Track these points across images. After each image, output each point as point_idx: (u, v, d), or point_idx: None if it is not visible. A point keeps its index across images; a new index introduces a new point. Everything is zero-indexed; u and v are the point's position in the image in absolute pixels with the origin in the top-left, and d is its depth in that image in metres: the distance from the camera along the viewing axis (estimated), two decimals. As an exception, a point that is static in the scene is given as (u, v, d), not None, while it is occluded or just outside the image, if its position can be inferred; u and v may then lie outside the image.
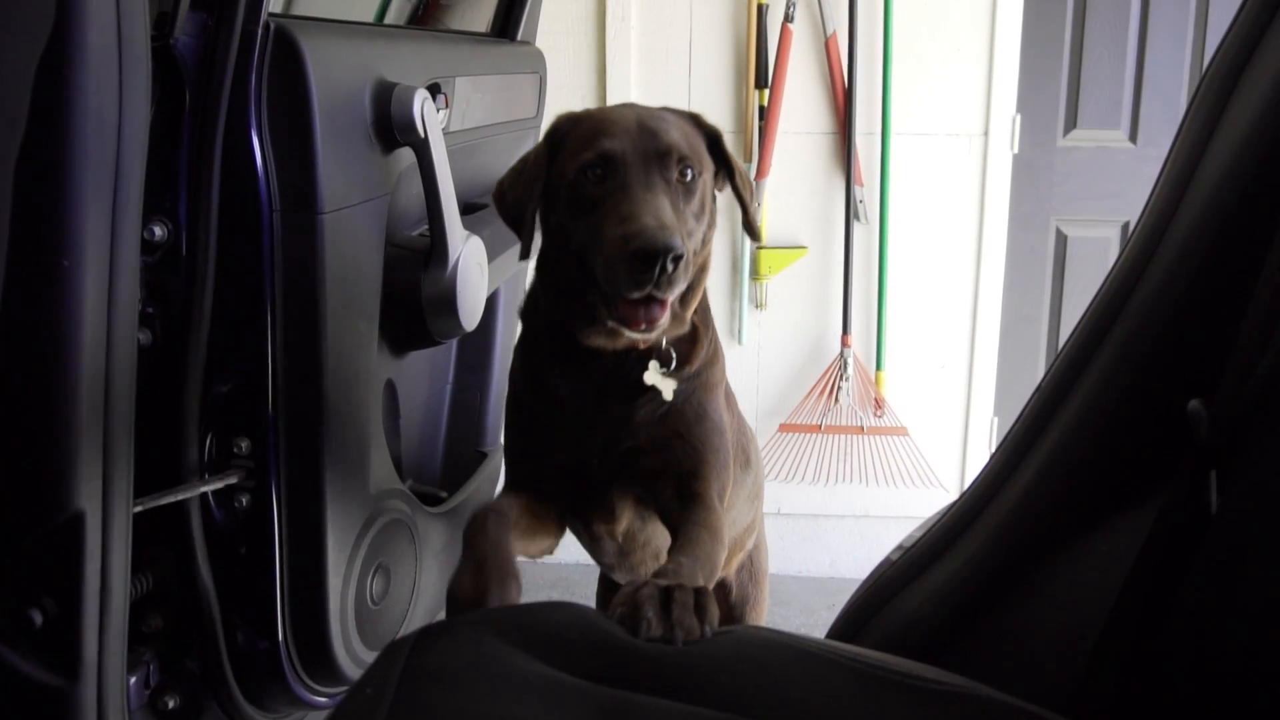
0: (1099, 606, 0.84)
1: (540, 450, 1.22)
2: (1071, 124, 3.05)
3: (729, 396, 1.33)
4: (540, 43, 2.16)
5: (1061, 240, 3.13)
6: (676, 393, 1.18)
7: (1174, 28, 2.97)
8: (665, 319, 1.07)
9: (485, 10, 1.99)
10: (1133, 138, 3.04)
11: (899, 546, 1.33)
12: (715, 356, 1.26)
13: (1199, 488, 0.79)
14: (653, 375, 1.17)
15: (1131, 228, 3.19)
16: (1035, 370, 3.19)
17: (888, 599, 0.99)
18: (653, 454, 1.18)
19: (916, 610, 0.96)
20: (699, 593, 0.85)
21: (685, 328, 1.18)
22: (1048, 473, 0.93)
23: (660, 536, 1.31)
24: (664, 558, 1.33)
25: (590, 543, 1.32)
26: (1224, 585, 0.76)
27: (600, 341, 1.15)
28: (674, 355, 1.19)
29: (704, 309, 1.25)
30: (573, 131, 1.14)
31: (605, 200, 1.07)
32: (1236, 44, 0.93)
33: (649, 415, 1.18)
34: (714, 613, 0.85)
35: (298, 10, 1.68)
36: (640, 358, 1.17)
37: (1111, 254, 3.12)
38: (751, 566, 1.62)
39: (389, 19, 1.76)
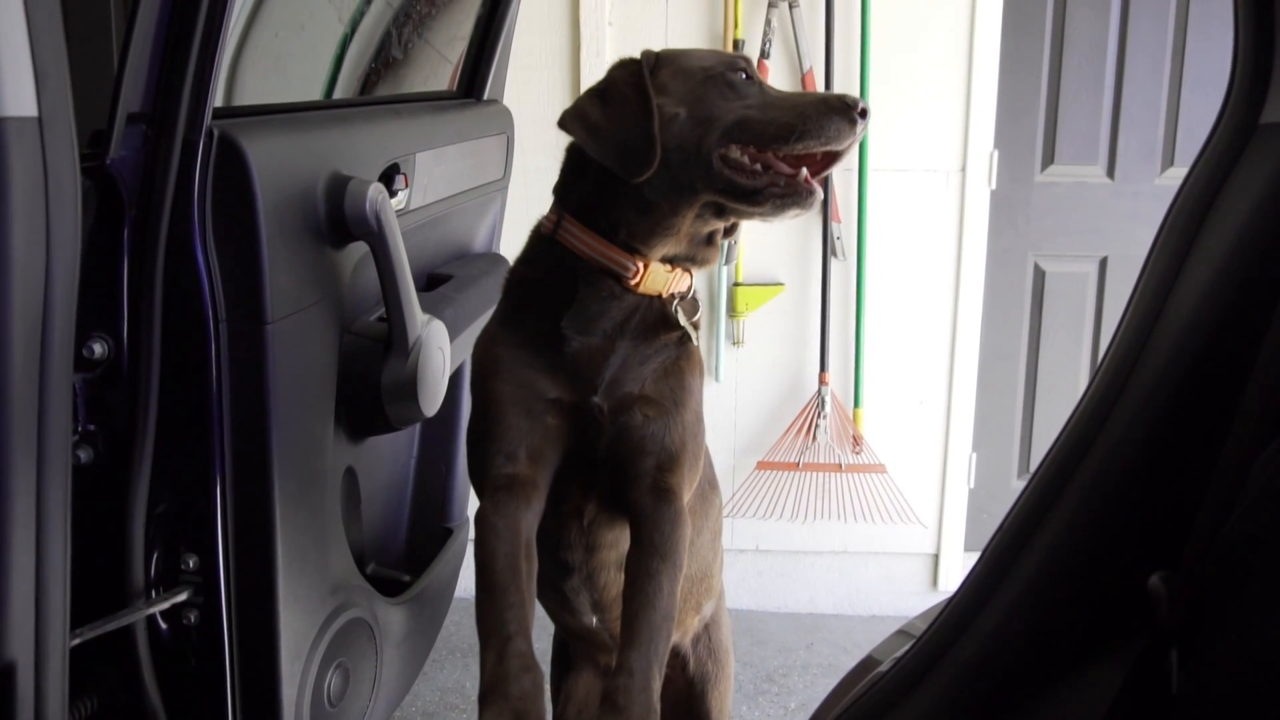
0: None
1: (534, 399, 1.18)
2: (1049, 160, 3.04)
3: None
4: (513, 76, 2.11)
5: (1039, 276, 3.12)
6: (678, 345, 1.24)
7: (1151, 64, 2.96)
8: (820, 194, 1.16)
9: (451, 41, 1.93)
10: (1110, 173, 3.03)
11: (901, 630, 1.31)
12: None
13: (1160, 666, 0.77)
14: (682, 317, 1.23)
15: (1109, 264, 3.15)
16: (1014, 407, 3.18)
17: (846, 745, 0.97)
18: (652, 408, 1.19)
19: (874, 761, 0.94)
20: None
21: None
22: (1009, 624, 0.90)
23: (626, 543, 1.26)
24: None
25: (556, 532, 1.26)
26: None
27: (673, 250, 1.19)
28: (697, 304, 1.26)
29: None
30: (678, 53, 1.22)
31: (763, 91, 1.18)
32: (1204, 176, 0.90)
33: (657, 365, 1.21)
34: None
35: (242, 82, 1.63)
36: (653, 304, 1.21)
37: (1089, 289, 3.11)
38: (710, 641, 1.59)
39: (340, 84, 1.71)
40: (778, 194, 1.12)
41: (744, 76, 1.17)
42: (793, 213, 1.14)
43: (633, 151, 1.13)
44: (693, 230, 1.20)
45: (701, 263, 1.24)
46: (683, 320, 1.23)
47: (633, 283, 1.18)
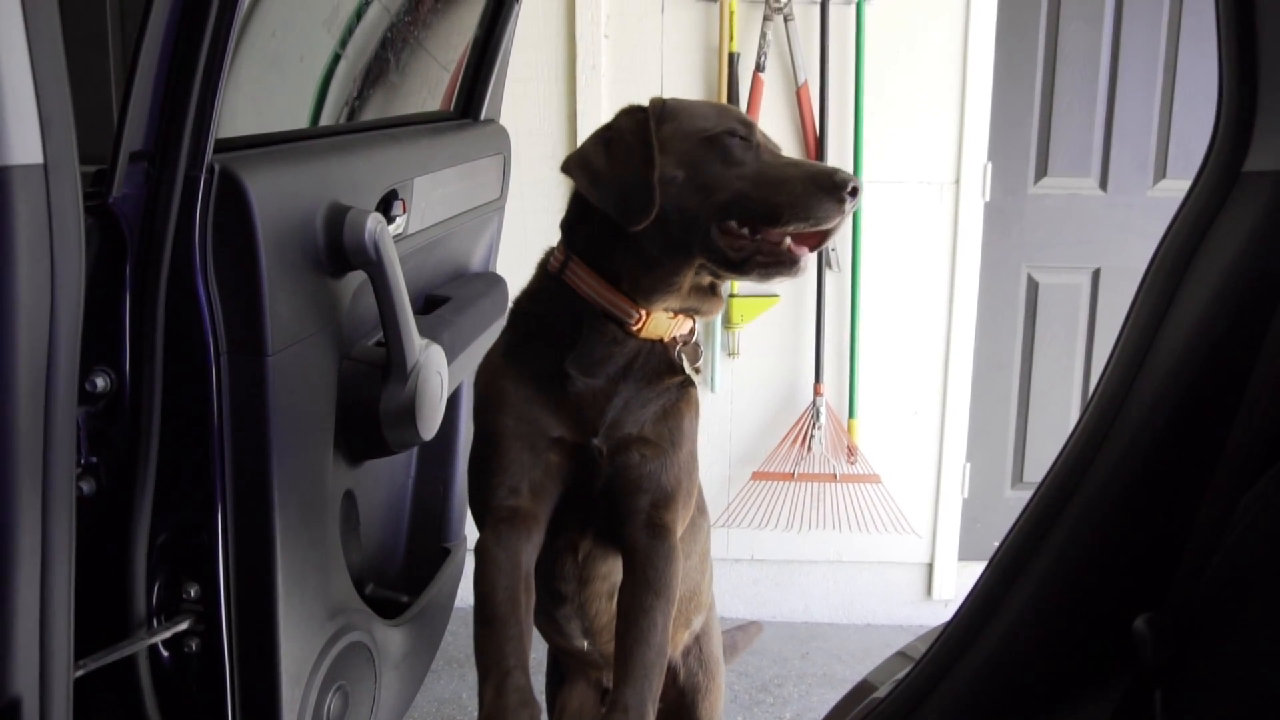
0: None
1: (538, 435, 1.21)
2: (1042, 172, 3.06)
3: None
4: (510, 89, 2.12)
5: (1033, 287, 3.14)
6: (679, 388, 1.25)
7: (1143, 76, 2.98)
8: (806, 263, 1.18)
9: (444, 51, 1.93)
10: (1103, 185, 3.05)
11: (901, 653, 1.32)
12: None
13: (1145, 707, 0.78)
14: (685, 363, 1.25)
15: (1102, 275, 3.16)
16: (1007, 417, 3.20)
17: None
18: (649, 448, 1.21)
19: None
20: None
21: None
22: (1000, 659, 0.92)
23: (618, 574, 1.30)
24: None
25: (551, 564, 1.29)
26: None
27: (676, 304, 1.21)
28: (699, 349, 1.28)
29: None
30: (681, 109, 1.22)
31: (759, 159, 1.18)
32: (1189, 222, 0.92)
33: (657, 408, 1.23)
34: None
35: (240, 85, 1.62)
36: (655, 348, 1.22)
37: (1082, 300, 3.13)
38: (701, 654, 1.61)
39: (327, 110, 1.71)
40: (763, 263, 1.15)
41: (741, 140, 1.18)
42: (778, 280, 1.16)
43: (632, 201, 1.15)
44: (694, 283, 1.22)
45: (705, 313, 1.27)
46: (686, 367, 1.26)
47: (635, 328, 1.20)
